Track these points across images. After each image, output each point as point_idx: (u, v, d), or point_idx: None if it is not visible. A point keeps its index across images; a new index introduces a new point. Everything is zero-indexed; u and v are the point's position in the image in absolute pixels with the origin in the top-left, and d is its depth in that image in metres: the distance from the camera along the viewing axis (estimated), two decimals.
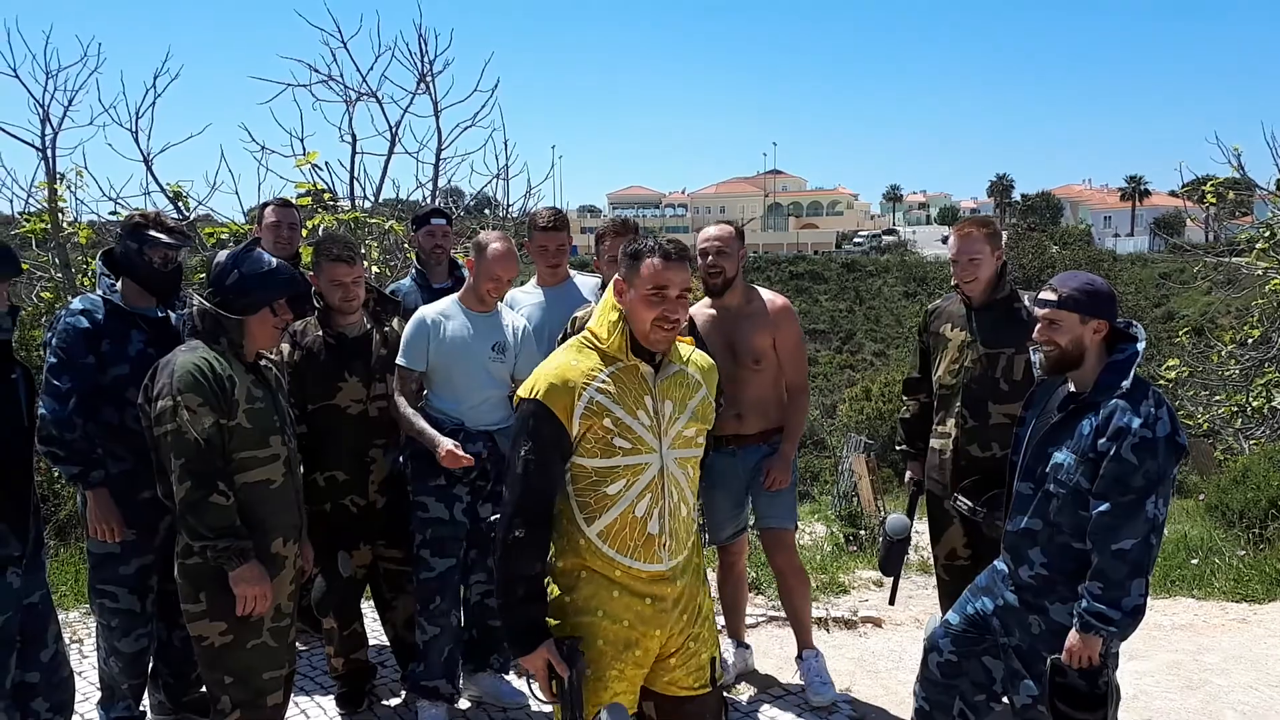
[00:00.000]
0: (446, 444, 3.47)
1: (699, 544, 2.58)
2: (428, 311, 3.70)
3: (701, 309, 3.99)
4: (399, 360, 3.67)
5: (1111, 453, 2.62)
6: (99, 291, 3.43)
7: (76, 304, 3.41)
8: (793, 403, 4.04)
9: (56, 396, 3.30)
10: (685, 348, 2.56)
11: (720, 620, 4.22)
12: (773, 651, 4.53)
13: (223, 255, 3.03)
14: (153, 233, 3.39)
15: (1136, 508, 2.60)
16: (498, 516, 2.38)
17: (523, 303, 4.23)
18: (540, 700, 2.36)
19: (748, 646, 4.36)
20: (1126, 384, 2.68)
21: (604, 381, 2.35)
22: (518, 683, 3.99)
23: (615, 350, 2.38)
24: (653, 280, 2.34)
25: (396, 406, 3.63)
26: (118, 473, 3.37)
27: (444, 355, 3.63)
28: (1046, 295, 2.81)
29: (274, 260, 3.01)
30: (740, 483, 4.00)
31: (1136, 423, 2.61)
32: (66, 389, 3.30)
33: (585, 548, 2.38)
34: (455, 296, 3.77)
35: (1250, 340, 9.74)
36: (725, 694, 2.63)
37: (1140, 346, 2.75)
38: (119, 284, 3.44)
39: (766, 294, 4.03)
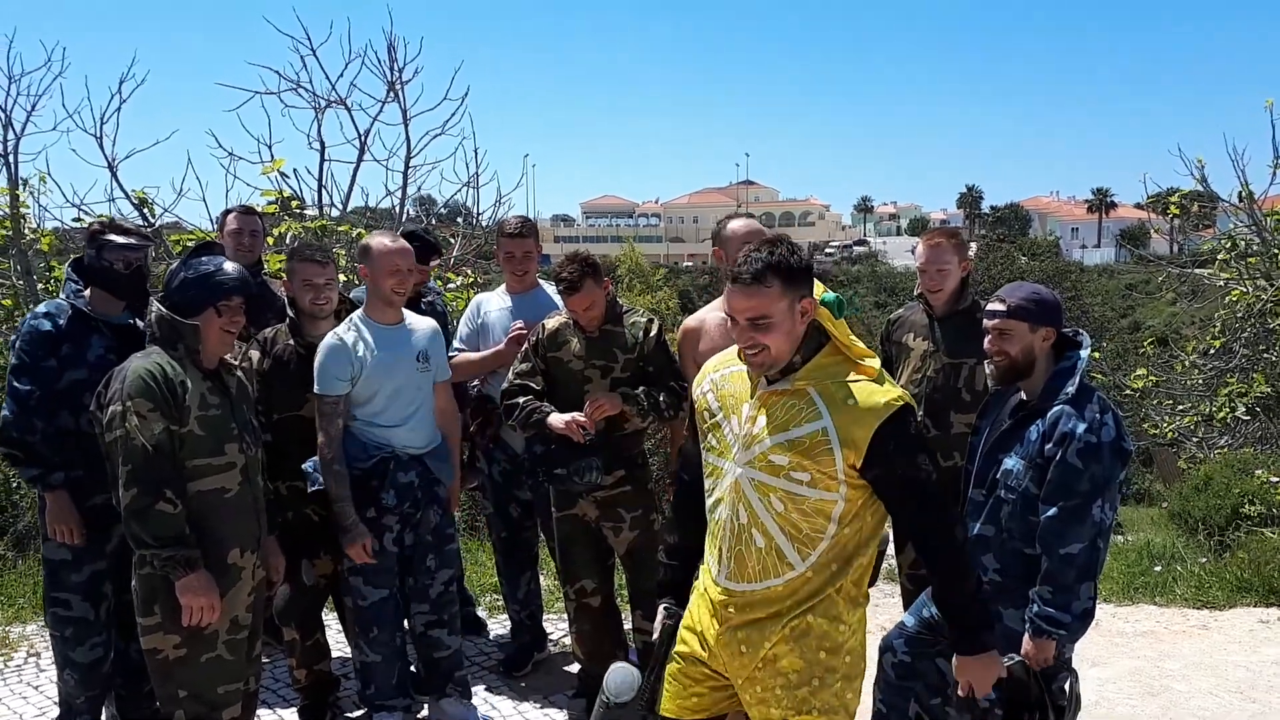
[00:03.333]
0: (354, 545, 3.43)
1: (816, 602, 2.23)
2: (339, 333, 3.51)
3: (715, 313, 3.67)
4: (318, 390, 3.45)
5: (1057, 458, 2.67)
6: (63, 296, 3.41)
7: (41, 308, 3.40)
8: None
9: (17, 399, 3.28)
10: (856, 375, 2.18)
11: None
12: None
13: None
14: (109, 237, 3.36)
15: (1083, 512, 2.64)
16: None
17: (491, 307, 4.23)
18: None
19: None
20: (1071, 389, 2.73)
21: (724, 375, 2.35)
22: (485, 707, 3.94)
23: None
24: (725, 304, 2.22)
25: (323, 455, 3.45)
26: (72, 478, 3.32)
27: (369, 378, 3.46)
28: (995, 306, 2.85)
29: (222, 262, 2.98)
30: None
31: (1081, 428, 2.65)
32: (26, 391, 3.28)
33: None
34: (358, 314, 3.59)
35: (1212, 350, 9.89)
36: None
37: (1085, 353, 2.80)
38: (87, 291, 3.42)
39: None
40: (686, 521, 2.51)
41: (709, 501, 2.34)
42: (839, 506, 2.17)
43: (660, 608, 2.52)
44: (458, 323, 4.52)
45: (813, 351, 2.21)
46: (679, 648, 2.43)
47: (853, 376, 2.17)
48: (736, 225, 3.62)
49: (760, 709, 2.30)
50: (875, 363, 2.21)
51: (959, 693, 2.39)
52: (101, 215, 6.78)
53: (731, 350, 2.37)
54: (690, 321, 3.90)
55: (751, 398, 2.24)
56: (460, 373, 4.07)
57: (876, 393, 2.15)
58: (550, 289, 4.26)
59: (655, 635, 2.50)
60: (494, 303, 4.26)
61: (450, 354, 4.10)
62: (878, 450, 2.10)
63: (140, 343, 3.34)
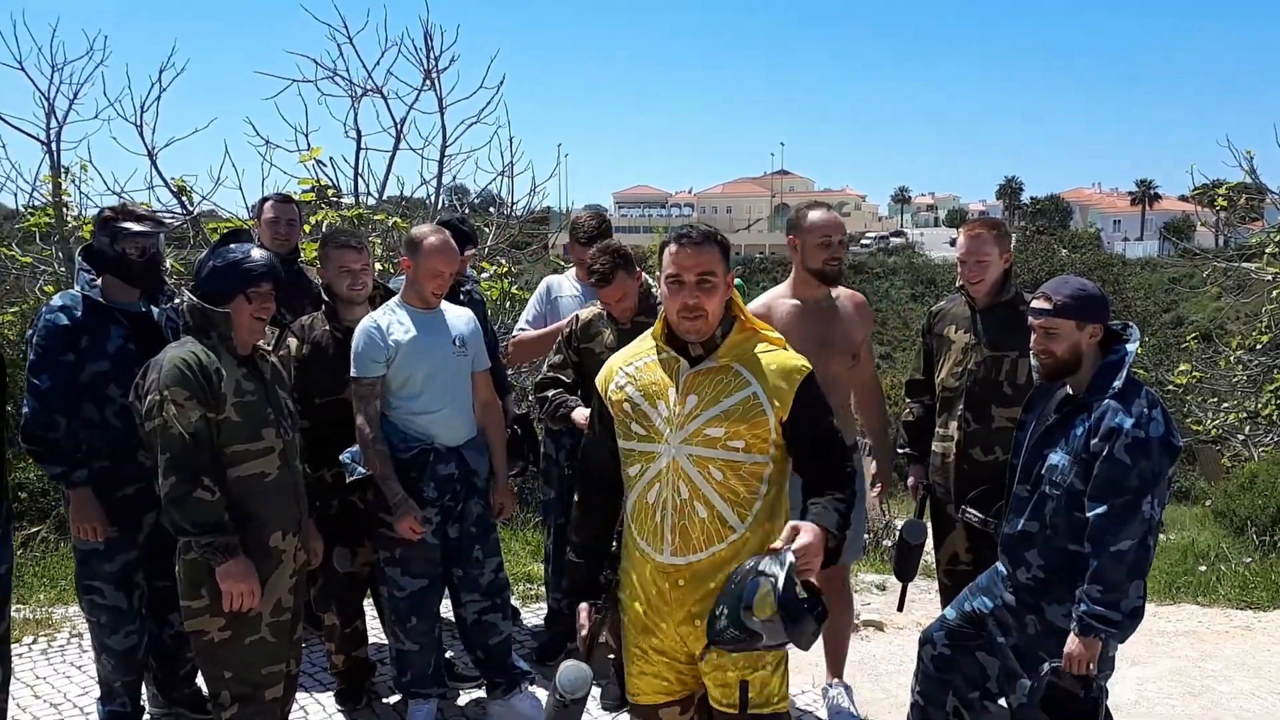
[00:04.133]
0: (406, 519, 3.39)
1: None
2: (374, 317, 3.51)
3: (784, 300, 3.63)
4: (354, 372, 3.46)
5: (1104, 453, 2.62)
6: (77, 287, 3.39)
7: (56, 300, 3.37)
8: (878, 406, 3.93)
9: (37, 395, 3.29)
10: (765, 346, 2.39)
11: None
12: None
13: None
14: (123, 224, 3.34)
15: (1132, 509, 2.59)
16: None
17: (564, 292, 4.32)
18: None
19: (844, 686, 3.92)
20: (1118, 384, 2.67)
21: (638, 367, 2.43)
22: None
23: (658, 338, 2.43)
24: (669, 267, 2.32)
25: (363, 435, 3.44)
26: (98, 469, 3.35)
27: (405, 359, 3.45)
28: (1040, 304, 2.80)
29: (250, 249, 2.99)
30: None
31: (1128, 423, 2.60)
32: (47, 387, 3.29)
33: (626, 525, 2.48)
34: (396, 300, 3.59)
35: (1259, 346, 9.69)
36: None
37: (1132, 348, 2.74)
38: (99, 279, 3.40)
39: (843, 289, 3.72)
40: (596, 516, 2.58)
41: (637, 488, 2.40)
42: (769, 468, 2.35)
43: (582, 608, 2.53)
44: (496, 312, 4.55)
45: (728, 330, 2.39)
46: (638, 640, 2.48)
47: (764, 347, 2.38)
48: (816, 216, 3.59)
49: (717, 675, 2.39)
50: (777, 334, 2.44)
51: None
52: (142, 203, 6.87)
53: (634, 345, 2.52)
54: (756, 306, 3.89)
55: (675, 382, 2.36)
56: (521, 351, 4.11)
57: (790, 358, 2.38)
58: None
59: (583, 634, 2.50)
60: (566, 288, 4.31)
61: (515, 333, 4.13)
62: (798, 407, 2.32)
63: (157, 330, 3.39)
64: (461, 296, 4.23)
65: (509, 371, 5.05)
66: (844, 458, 2.39)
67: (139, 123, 6.96)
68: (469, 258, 4.52)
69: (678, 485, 2.32)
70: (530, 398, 4.26)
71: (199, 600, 2.87)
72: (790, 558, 2.05)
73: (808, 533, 2.13)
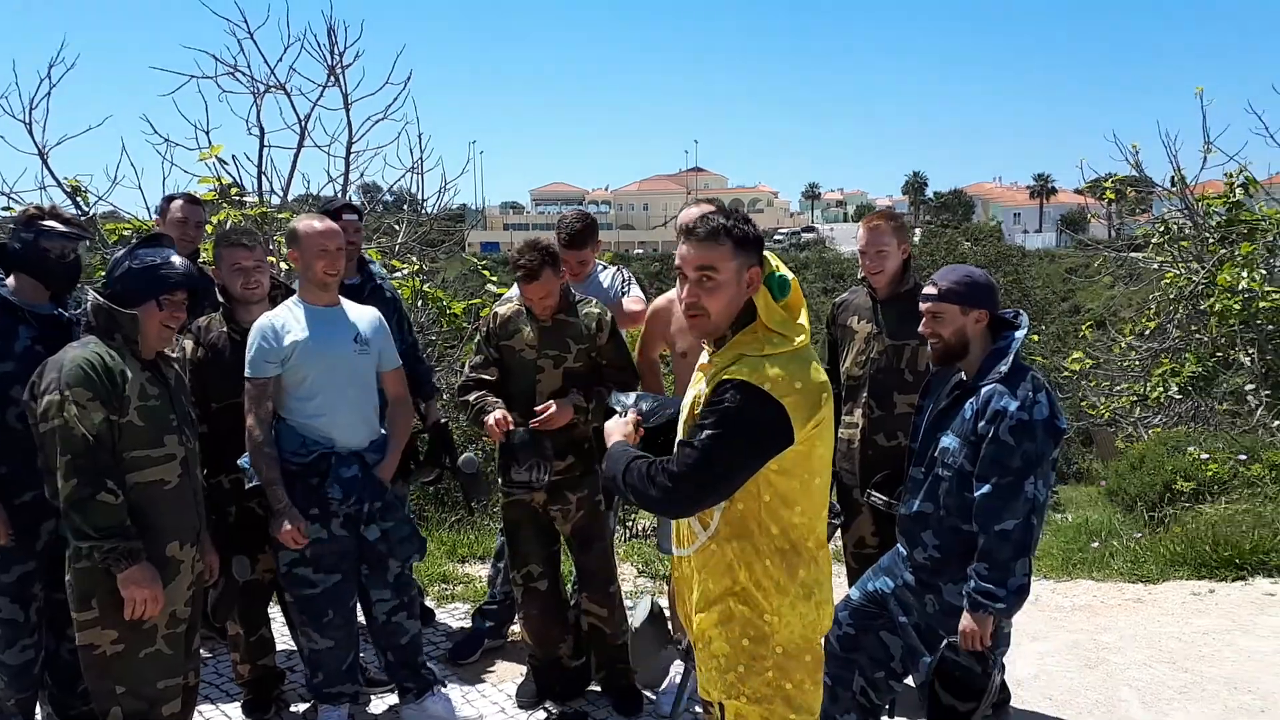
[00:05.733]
0: (285, 525, 3.33)
1: (731, 580, 2.27)
2: (270, 315, 3.44)
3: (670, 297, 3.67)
4: (247, 372, 3.38)
5: (990, 435, 2.72)
6: None
7: None
8: None
9: None
10: (769, 350, 2.19)
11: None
12: None
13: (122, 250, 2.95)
14: (49, 223, 3.25)
15: (1016, 489, 2.69)
16: None
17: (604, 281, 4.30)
18: None
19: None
20: (1004, 368, 2.78)
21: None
22: (456, 696, 3.92)
23: None
24: (677, 259, 2.24)
25: (253, 438, 3.36)
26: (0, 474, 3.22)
27: (301, 358, 3.37)
28: (928, 290, 2.93)
29: (169, 254, 2.92)
30: None
31: (1013, 405, 2.71)
32: None
33: None
34: (294, 298, 3.51)
35: (1147, 331, 10.13)
36: None
37: (1020, 334, 2.85)
38: (10, 279, 3.29)
39: None
40: None
41: None
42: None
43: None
44: (409, 310, 4.48)
45: (740, 329, 2.23)
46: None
47: (766, 350, 2.17)
48: (691, 214, 3.62)
49: (705, 679, 2.38)
50: (800, 339, 2.21)
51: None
52: (33, 204, 6.58)
53: None
54: (660, 301, 3.92)
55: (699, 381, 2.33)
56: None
57: (756, 364, 2.13)
58: (605, 275, 4.31)
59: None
60: (605, 278, 4.28)
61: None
62: (707, 398, 2.16)
63: (64, 333, 3.27)
64: (370, 288, 4.17)
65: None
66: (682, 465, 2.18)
67: (28, 120, 6.68)
68: (360, 227, 4.43)
69: None
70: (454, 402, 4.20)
71: (88, 612, 2.78)
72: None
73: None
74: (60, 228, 3.26)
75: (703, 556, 2.29)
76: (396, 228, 8.09)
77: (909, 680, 3.13)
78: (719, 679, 2.30)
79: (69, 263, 3.30)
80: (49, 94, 6.73)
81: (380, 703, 3.95)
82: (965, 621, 2.76)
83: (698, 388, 2.30)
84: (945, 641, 2.80)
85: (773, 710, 2.28)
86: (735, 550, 2.25)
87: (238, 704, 3.86)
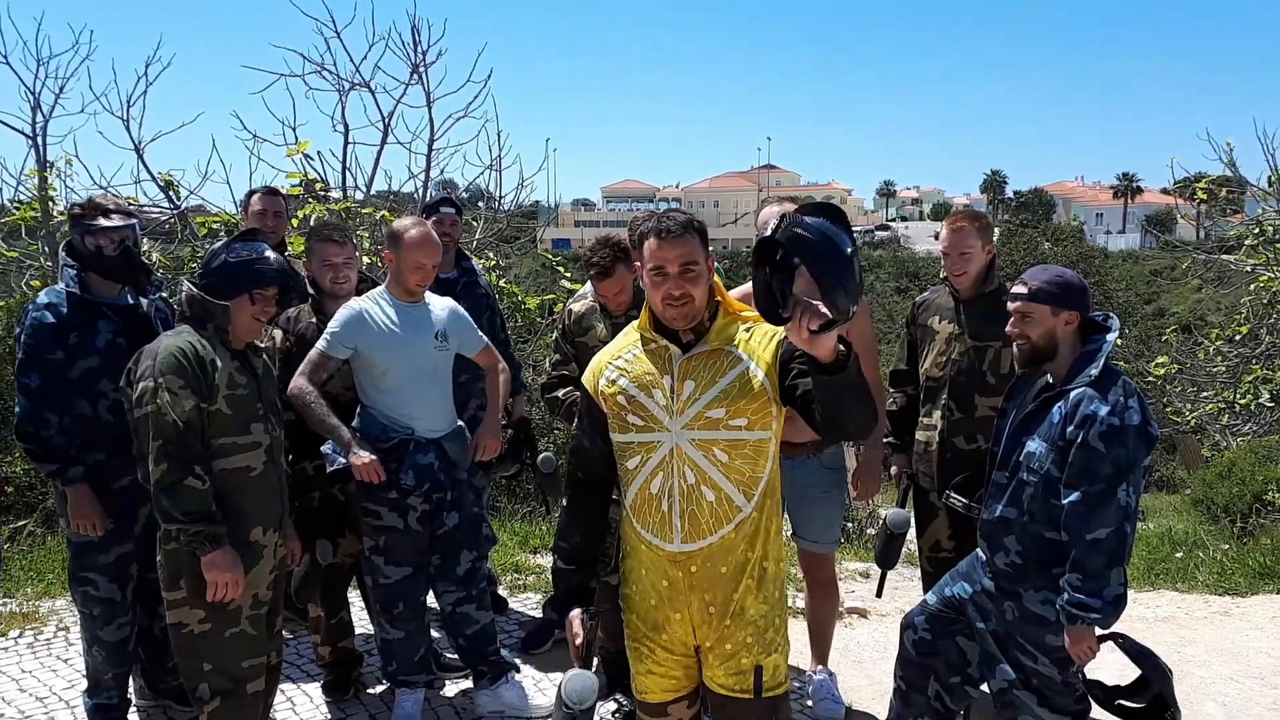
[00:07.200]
0: (365, 455, 3.33)
1: (762, 542, 2.39)
2: (360, 301, 3.54)
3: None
4: (320, 345, 3.46)
5: (1079, 440, 2.65)
6: (62, 283, 3.38)
7: (42, 298, 3.37)
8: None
9: (27, 394, 3.29)
10: (747, 326, 2.41)
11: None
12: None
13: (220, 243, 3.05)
14: (93, 220, 3.33)
15: (1108, 496, 2.62)
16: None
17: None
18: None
19: (829, 673, 3.96)
20: (1094, 371, 2.71)
21: (627, 360, 2.44)
22: (529, 685, 3.98)
23: (644, 330, 2.44)
24: (651, 260, 2.33)
25: (298, 395, 3.40)
26: (94, 463, 3.35)
27: (385, 349, 3.46)
28: (1018, 289, 2.86)
29: (264, 250, 3.01)
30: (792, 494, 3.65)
31: (1104, 410, 2.63)
32: (36, 385, 3.29)
33: (626, 520, 2.49)
34: (382, 289, 3.61)
35: (1238, 337, 9.79)
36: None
37: (1111, 337, 2.78)
38: (83, 275, 3.39)
39: None
40: (588, 520, 2.59)
41: (638, 480, 2.40)
42: (772, 444, 2.38)
43: (574, 615, 2.49)
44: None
45: (713, 315, 2.41)
46: (645, 639, 2.50)
47: (746, 326, 2.40)
48: (771, 212, 3.60)
49: (731, 664, 2.40)
50: (754, 312, 2.35)
51: None
52: (129, 198, 6.86)
53: (616, 342, 2.54)
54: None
55: (669, 370, 2.37)
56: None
57: (766, 328, 2.38)
58: None
59: (578, 642, 2.46)
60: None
61: None
62: (785, 356, 2.32)
63: (146, 322, 3.40)
64: (464, 283, 4.28)
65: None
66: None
67: (125, 117, 6.97)
68: (458, 221, 4.52)
69: (683, 471, 2.33)
70: (541, 401, 4.25)
71: (177, 592, 2.88)
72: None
73: None
74: (103, 222, 3.33)
75: (742, 529, 2.36)
76: (474, 223, 8.22)
77: (984, 686, 3.09)
78: (756, 642, 2.39)
79: (123, 251, 3.36)
80: (145, 92, 7.03)
81: (454, 687, 4.03)
82: (1067, 638, 2.69)
83: (681, 380, 2.34)
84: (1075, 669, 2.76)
85: (787, 652, 2.49)
86: (770, 510, 2.39)
87: (318, 684, 3.98)
